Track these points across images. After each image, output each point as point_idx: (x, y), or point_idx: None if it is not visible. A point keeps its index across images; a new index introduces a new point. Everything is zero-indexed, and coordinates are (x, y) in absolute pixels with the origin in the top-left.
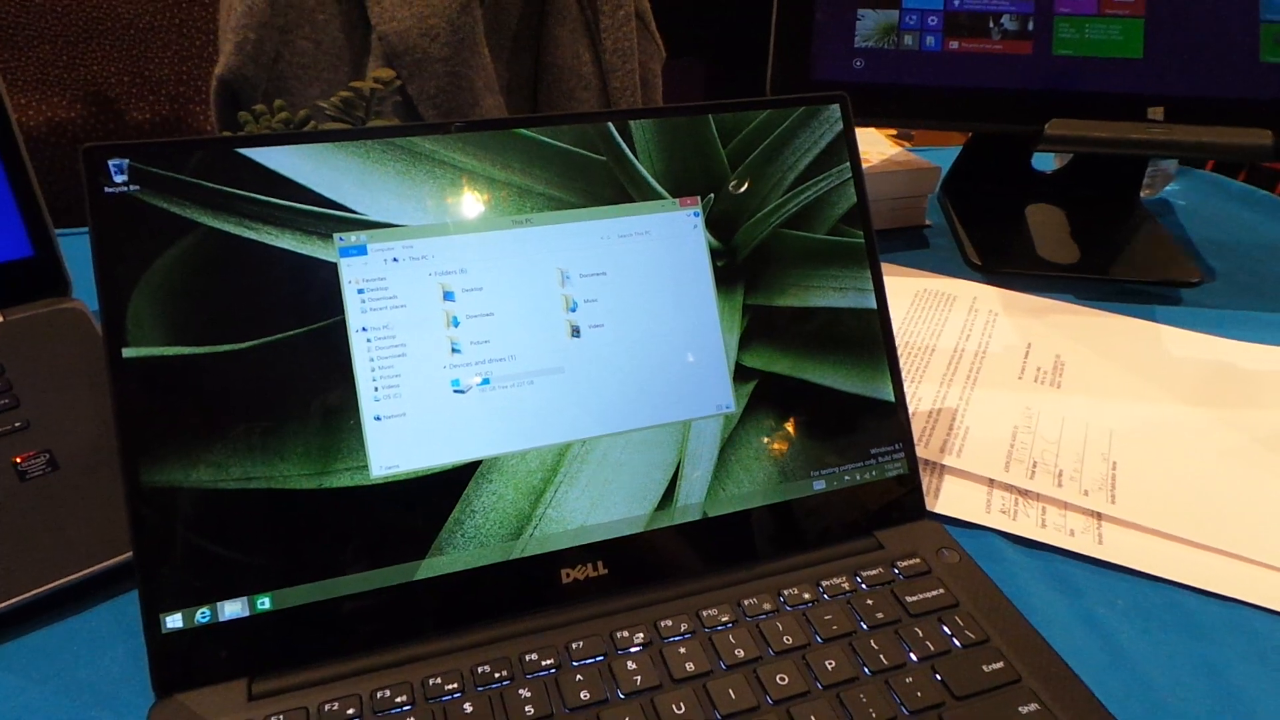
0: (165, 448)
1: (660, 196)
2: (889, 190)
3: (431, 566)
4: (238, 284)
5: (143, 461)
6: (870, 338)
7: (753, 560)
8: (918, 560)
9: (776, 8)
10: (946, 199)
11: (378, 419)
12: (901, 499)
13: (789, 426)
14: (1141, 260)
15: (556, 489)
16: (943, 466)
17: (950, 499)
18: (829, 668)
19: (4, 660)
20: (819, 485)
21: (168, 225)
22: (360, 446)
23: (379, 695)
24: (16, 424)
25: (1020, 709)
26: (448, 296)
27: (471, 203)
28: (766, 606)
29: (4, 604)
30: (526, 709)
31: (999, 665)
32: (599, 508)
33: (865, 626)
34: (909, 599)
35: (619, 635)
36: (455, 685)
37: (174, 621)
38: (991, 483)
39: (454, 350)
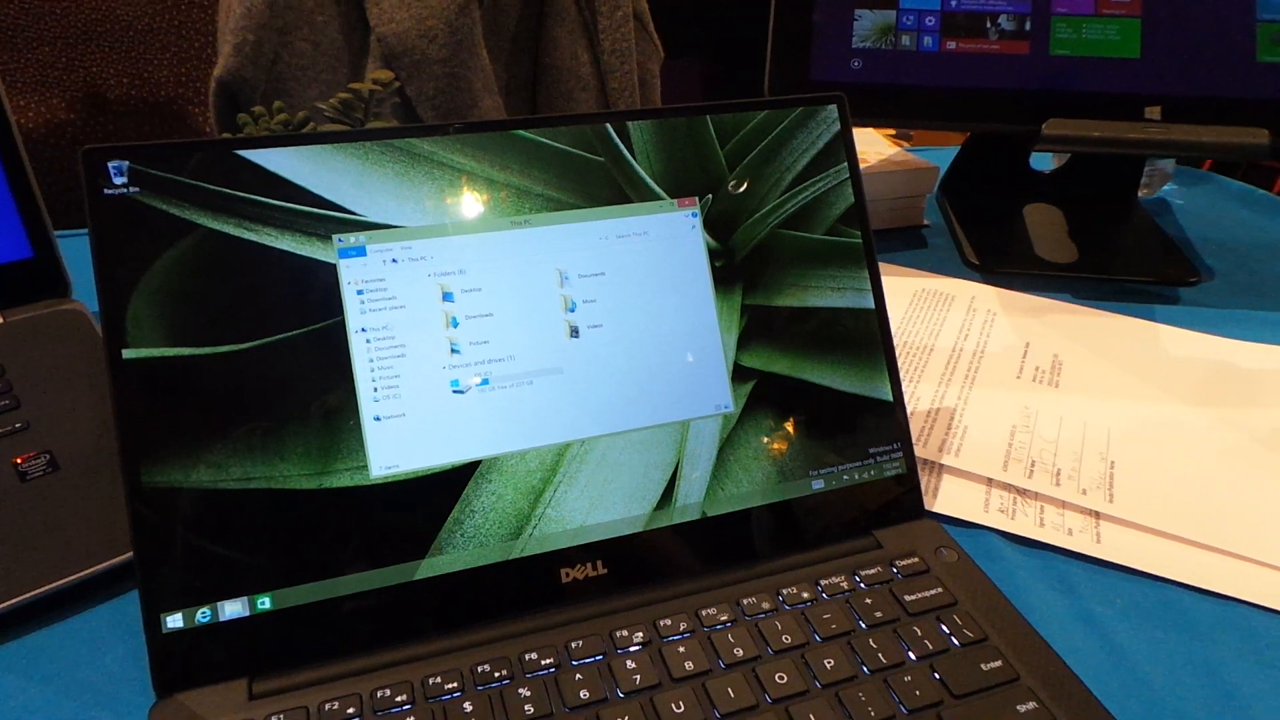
0: (165, 448)
1: (658, 197)
2: (887, 190)
3: (431, 566)
4: (237, 285)
5: (143, 462)
6: (868, 337)
7: (752, 560)
8: (916, 559)
9: (774, 8)
10: (945, 199)
11: (377, 419)
12: (900, 498)
13: (788, 426)
14: (1139, 259)
15: (556, 489)
16: (941, 466)
17: (948, 498)
18: (828, 667)
19: (5, 660)
20: (818, 485)
21: (167, 227)
22: (360, 447)
23: (379, 695)
24: (17, 425)
25: (1018, 707)
26: (447, 297)
27: (470, 204)
28: (765, 606)
29: (4, 604)
30: (526, 708)
31: (997, 664)
32: (598, 507)
33: (864, 625)
34: (907, 598)
35: (618, 635)
36: (455, 685)
37: (174, 621)
38: (990, 482)
39: (453, 351)
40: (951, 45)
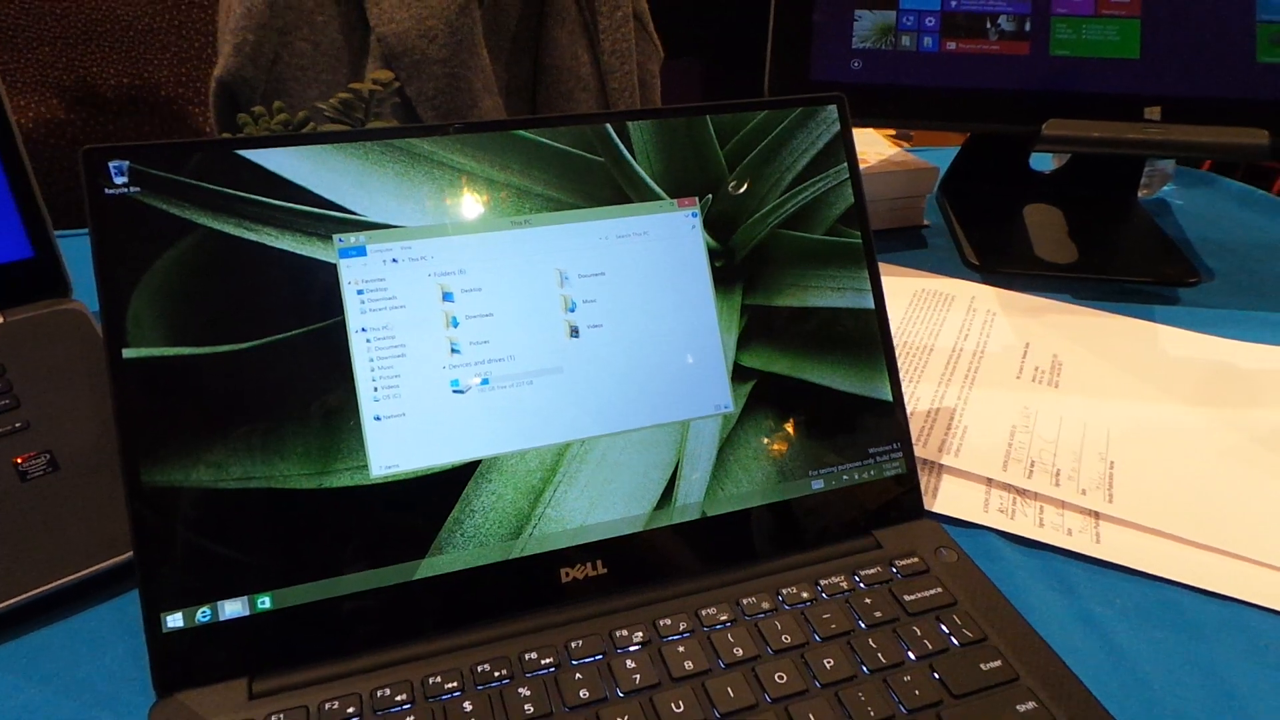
0: (165, 448)
1: (658, 197)
2: (887, 190)
3: (431, 566)
4: (237, 285)
5: (143, 461)
6: (868, 337)
7: (751, 559)
8: (916, 559)
9: (774, 9)
10: (945, 199)
11: (377, 419)
12: (899, 498)
13: (787, 426)
14: (1139, 260)
15: (556, 489)
16: (941, 466)
17: (948, 498)
18: (827, 666)
19: (5, 660)
20: (817, 485)
21: (168, 226)
22: (360, 446)
23: (379, 694)
24: (17, 424)
25: (1018, 707)
26: (447, 297)
27: (470, 204)
28: (765, 605)
29: (5, 603)
30: (526, 707)
31: (996, 664)
32: (598, 507)
33: (863, 625)
34: (907, 598)
35: (618, 634)
36: (455, 684)
37: (175, 621)
38: (989, 482)
39: (453, 350)
40: (951, 46)
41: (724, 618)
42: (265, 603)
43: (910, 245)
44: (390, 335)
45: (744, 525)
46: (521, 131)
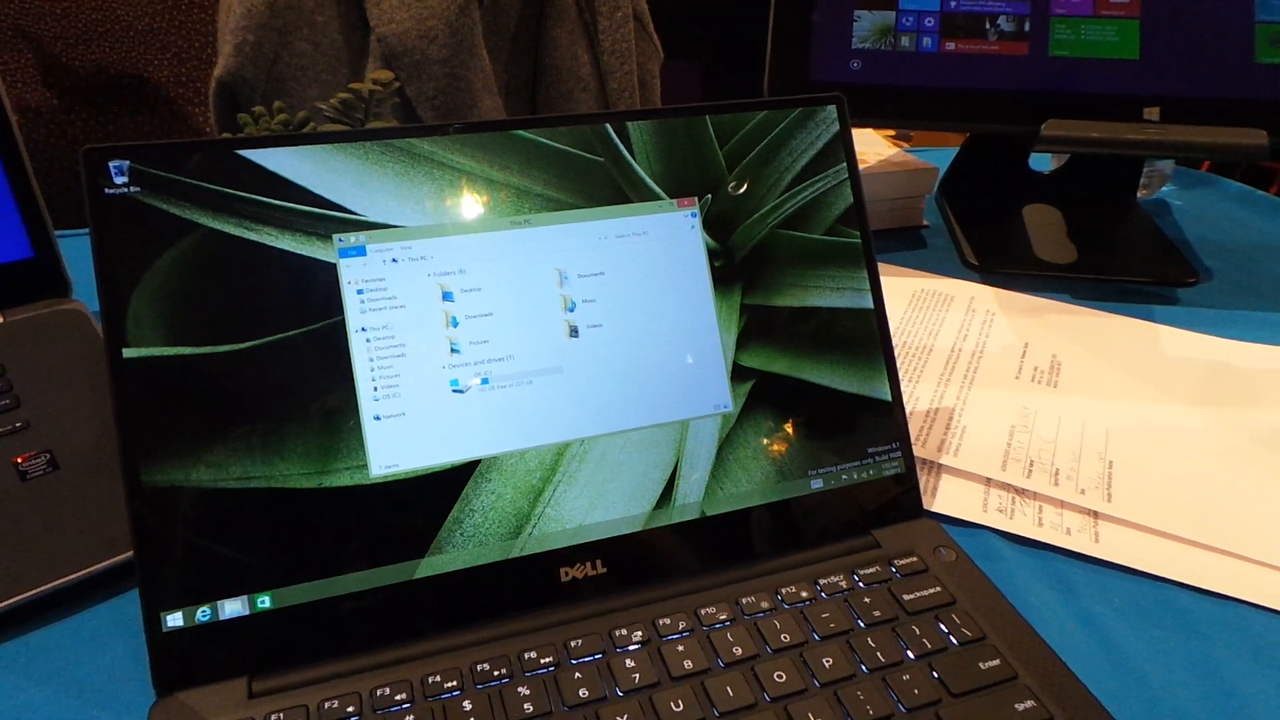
0: (166, 447)
1: (658, 197)
2: (887, 191)
3: (431, 565)
4: (237, 285)
5: (143, 461)
6: (867, 337)
7: (751, 559)
8: (915, 559)
9: (774, 9)
10: (944, 199)
11: (377, 419)
12: (898, 498)
13: (786, 426)
14: (1138, 260)
15: (555, 488)
16: (940, 466)
17: (947, 498)
18: (826, 665)
19: (5, 659)
20: (816, 484)
21: (168, 226)
22: (360, 446)
23: (378, 693)
24: (17, 424)
25: (1017, 706)
26: (446, 297)
27: (470, 204)
28: (764, 605)
29: (5, 603)
30: (525, 707)
31: (995, 662)
32: (597, 507)
33: (862, 624)
34: (906, 597)
35: (617, 634)
36: (454, 683)
37: (174, 620)
38: (988, 482)
39: (453, 350)
40: (950, 46)
41: (723, 617)
42: (265, 602)
43: (909, 245)
44: (390, 335)
45: (743, 525)
46: (521, 131)
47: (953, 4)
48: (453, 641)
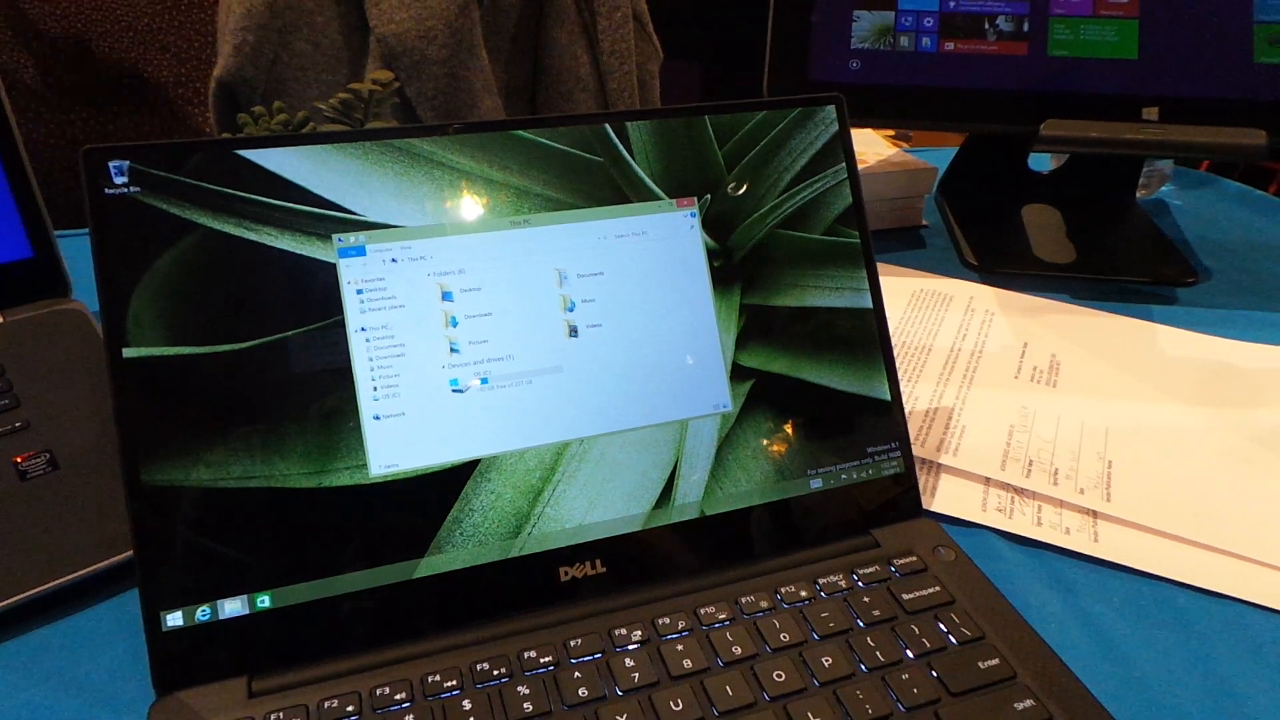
0: (165, 447)
1: (657, 197)
2: (886, 190)
3: (430, 565)
4: (237, 284)
5: (143, 460)
6: (866, 337)
7: (750, 558)
8: (914, 558)
9: (773, 9)
10: (943, 199)
11: (377, 418)
12: (898, 497)
13: (786, 426)
14: (1137, 260)
15: (555, 488)
16: (939, 465)
17: (946, 497)
18: (826, 664)
19: (5, 658)
20: (816, 484)
21: (168, 226)
22: (359, 445)
23: (378, 693)
24: (17, 424)
25: (1015, 705)
26: (446, 297)
27: (470, 204)
28: (764, 604)
29: (5, 602)
30: (525, 706)
31: (994, 662)
32: (597, 506)
33: (862, 624)
34: (905, 596)
35: (617, 633)
36: (454, 683)
37: (174, 619)
38: (987, 481)
39: (452, 350)
40: (950, 46)
41: (723, 616)
42: (265, 601)
43: (909, 245)
44: (389, 335)
45: (743, 524)
46: (521, 132)
47: (952, 4)
48: (452, 641)
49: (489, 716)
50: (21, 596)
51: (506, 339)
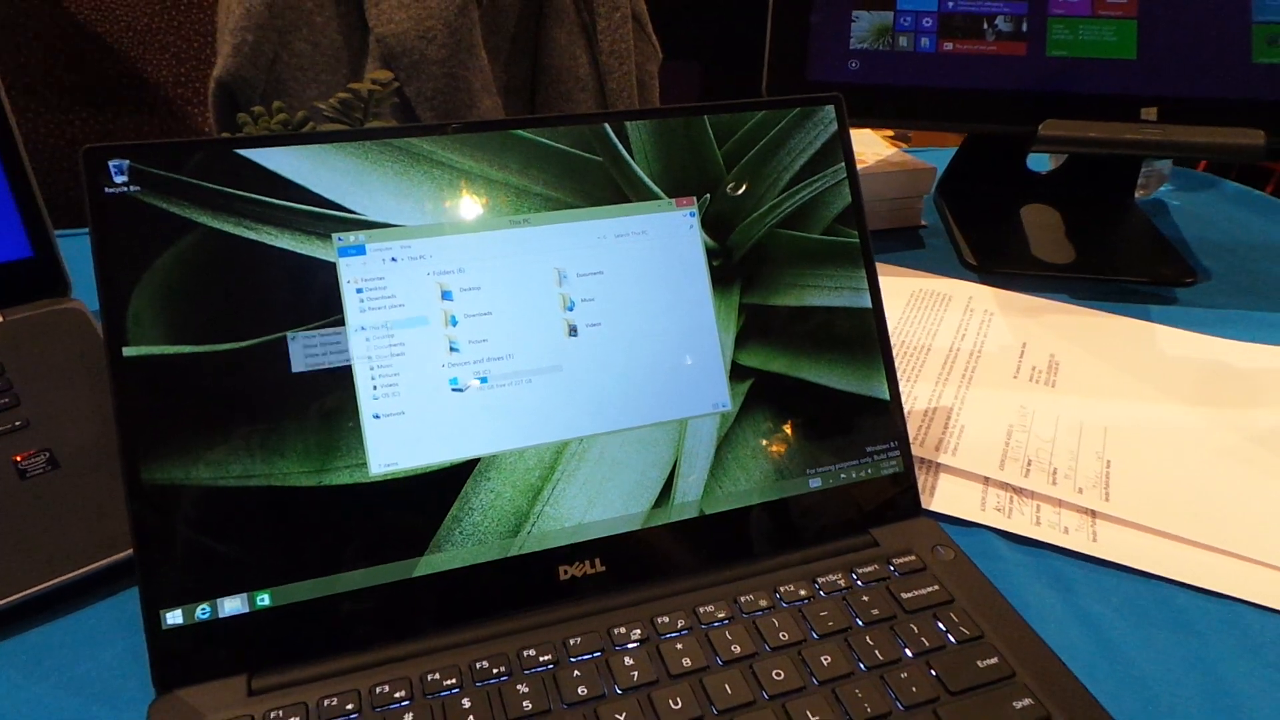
0: (165, 445)
1: (656, 197)
2: (885, 191)
3: (430, 563)
4: (237, 283)
5: (143, 459)
6: (866, 337)
7: (749, 557)
8: (913, 557)
9: (772, 10)
10: (942, 199)
11: (376, 417)
12: (897, 497)
13: (785, 425)
14: (1136, 260)
15: (554, 487)
16: (938, 465)
17: (945, 497)
18: (824, 663)
19: (5, 656)
20: (815, 483)
21: (168, 225)
22: (359, 444)
23: (378, 691)
24: (16, 423)
25: (1014, 704)
26: (446, 296)
27: (469, 203)
28: (763, 603)
29: (5, 601)
30: (524, 704)
31: (993, 661)
32: (596, 505)
33: (860, 622)
34: (904, 595)
35: (616, 632)
36: (454, 681)
37: (174, 618)
38: (986, 481)
39: (452, 349)
40: (948, 46)
41: (722, 615)
42: (265, 600)
43: (908, 245)
44: (389, 334)
45: (742, 523)
46: (520, 131)
47: (951, 4)
48: (452, 639)
49: (488, 715)
50: (22, 595)
51: (506, 338)
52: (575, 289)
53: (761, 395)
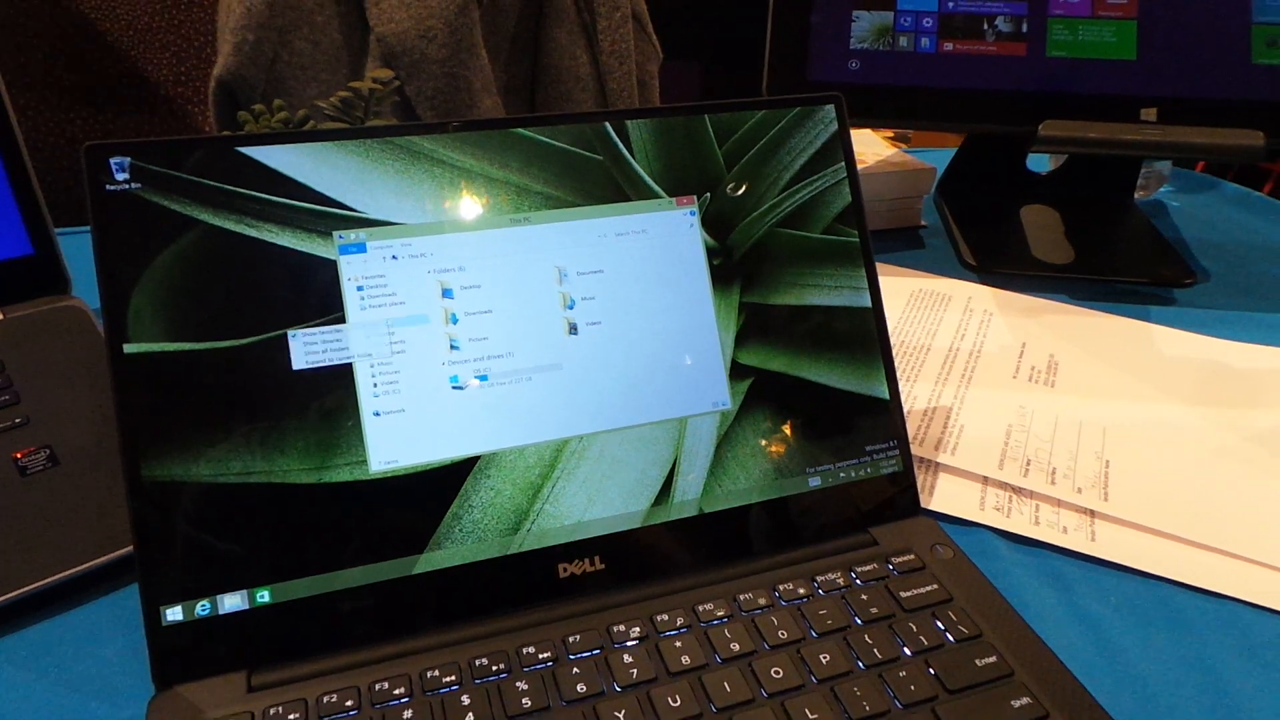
0: (166, 442)
1: (657, 196)
2: (885, 191)
3: (430, 561)
4: (238, 281)
5: (144, 456)
6: (865, 336)
7: (748, 556)
8: (912, 556)
9: (772, 10)
10: (942, 200)
11: (377, 415)
12: (896, 496)
13: (784, 424)
14: (1135, 260)
15: (554, 485)
16: (937, 464)
17: (944, 496)
18: (823, 661)
19: (5, 653)
20: (814, 482)
21: (169, 223)
22: (359, 442)
23: (377, 687)
24: (16, 420)
25: (1012, 703)
26: (446, 294)
27: (470, 201)
28: (762, 601)
29: (5, 597)
30: (524, 701)
31: (991, 659)
32: (596, 503)
33: (859, 621)
34: (903, 594)
35: (615, 629)
36: (453, 678)
37: (174, 614)
38: (985, 480)
39: (452, 347)
40: (949, 46)
41: (721, 613)
42: (264, 597)
43: (908, 245)
44: (390, 331)
45: (741, 522)
46: (521, 130)
47: (951, 4)
48: (451, 636)
49: (488, 712)
50: (22, 591)
51: (506, 336)
52: (575, 287)
53: (761, 394)
